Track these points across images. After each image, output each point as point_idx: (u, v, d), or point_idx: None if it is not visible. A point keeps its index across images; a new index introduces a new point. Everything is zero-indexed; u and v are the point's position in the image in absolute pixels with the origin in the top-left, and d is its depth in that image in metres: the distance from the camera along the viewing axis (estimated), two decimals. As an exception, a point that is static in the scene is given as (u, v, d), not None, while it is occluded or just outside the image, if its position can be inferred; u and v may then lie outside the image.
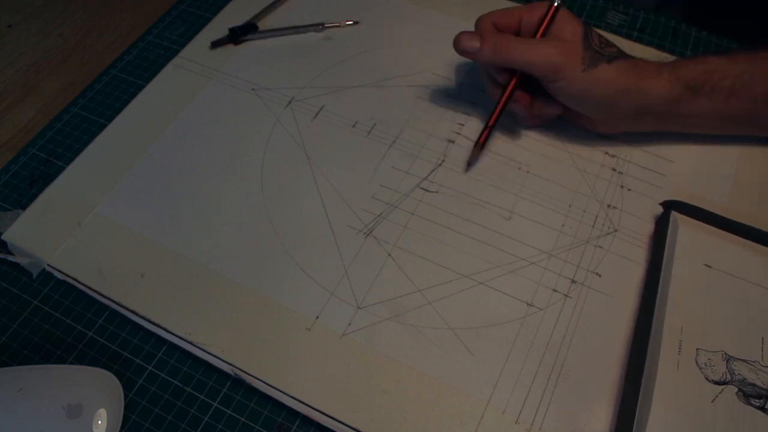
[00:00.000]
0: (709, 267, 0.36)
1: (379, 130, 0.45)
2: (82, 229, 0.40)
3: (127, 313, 0.37)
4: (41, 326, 0.37)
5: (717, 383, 0.32)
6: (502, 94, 0.41)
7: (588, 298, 0.37)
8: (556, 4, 0.39)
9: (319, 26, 0.51)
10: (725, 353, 0.33)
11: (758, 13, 0.58)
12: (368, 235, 0.40)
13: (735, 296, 0.35)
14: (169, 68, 0.49)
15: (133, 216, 0.40)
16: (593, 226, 0.40)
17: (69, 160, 0.44)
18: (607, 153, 0.44)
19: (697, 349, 0.33)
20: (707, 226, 0.38)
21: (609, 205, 0.41)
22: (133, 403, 0.34)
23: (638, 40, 0.52)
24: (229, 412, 0.34)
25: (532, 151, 0.44)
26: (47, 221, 0.40)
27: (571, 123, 0.44)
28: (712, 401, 0.32)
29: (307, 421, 0.34)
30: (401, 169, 0.43)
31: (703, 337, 0.34)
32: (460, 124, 0.45)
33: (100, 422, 0.31)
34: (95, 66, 0.51)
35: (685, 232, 0.38)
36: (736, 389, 0.32)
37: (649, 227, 0.40)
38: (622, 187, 0.42)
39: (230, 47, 0.50)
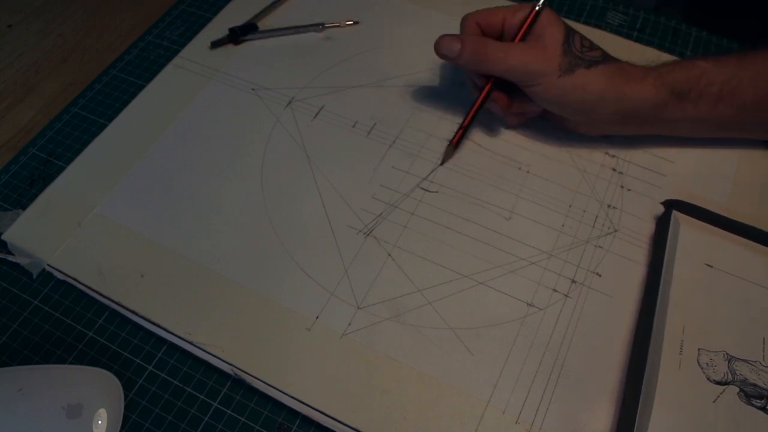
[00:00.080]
0: (711, 267, 0.36)
1: (379, 130, 0.45)
2: (82, 229, 0.40)
3: (127, 313, 0.37)
4: (41, 326, 0.37)
5: (718, 383, 0.32)
6: (479, 96, 0.42)
7: (588, 298, 0.37)
8: (537, 7, 0.39)
9: (319, 26, 0.51)
10: (726, 353, 0.33)
11: (758, 13, 0.58)
12: (368, 235, 0.40)
13: (736, 296, 0.35)
14: (169, 68, 0.49)
15: (133, 216, 0.40)
16: (593, 226, 0.40)
17: (69, 160, 0.44)
18: (607, 153, 0.44)
19: (698, 349, 0.33)
20: (709, 225, 0.38)
21: (609, 205, 0.41)
22: (133, 403, 0.34)
23: (638, 40, 0.52)
24: (229, 412, 0.34)
25: (532, 151, 0.44)
26: (47, 221, 0.40)
27: (553, 124, 0.44)
28: (714, 401, 0.32)
29: (307, 421, 0.34)
30: (401, 169, 0.43)
31: (704, 337, 0.34)
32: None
33: (100, 422, 0.31)
34: (95, 66, 0.51)
35: (686, 231, 0.37)
36: (737, 389, 0.32)
37: (649, 227, 0.40)
38: (622, 187, 0.42)
39: (230, 47, 0.50)
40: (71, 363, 0.36)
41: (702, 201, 0.39)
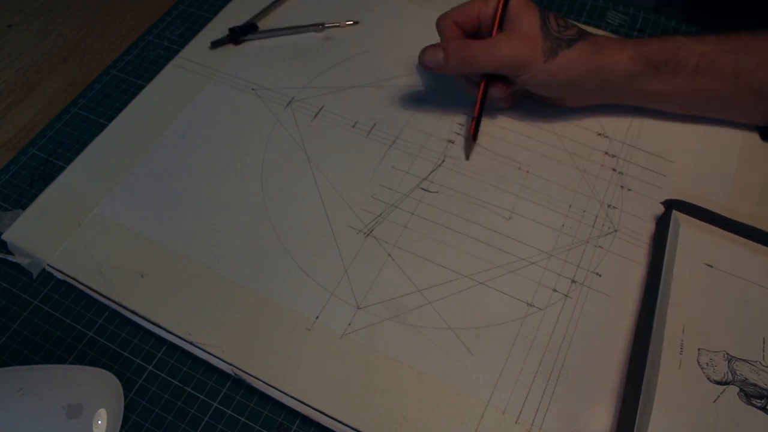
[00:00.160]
0: (711, 267, 0.36)
1: (379, 130, 0.45)
2: (82, 229, 0.40)
3: (127, 313, 0.37)
4: (41, 326, 0.37)
5: (718, 383, 0.32)
6: (477, 89, 0.42)
7: (588, 298, 0.37)
8: None
9: (319, 26, 0.51)
10: (727, 353, 0.33)
11: (758, 13, 0.58)
12: (368, 235, 0.40)
13: (736, 296, 0.35)
14: (169, 68, 0.49)
15: (133, 216, 0.40)
16: (593, 226, 0.40)
17: (69, 160, 0.44)
18: (607, 153, 0.44)
19: (698, 349, 0.33)
20: (709, 225, 0.38)
21: (609, 205, 0.41)
22: (133, 403, 0.34)
23: (638, 40, 0.52)
24: (229, 412, 0.34)
25: (532, 151, 0.44)
26: (47, 221, 0.40)
27: (538, 101, 0.45)
28: (714, 401, 0.32)
29: (307, 421, 0.34)
30: (401, 169, 0.43)
31: (704, 337, 0.34)
32: (460, 124, 0.45)
33: (100, 422, 0.31)
34: (95, 66, 0.51)
35: (686, 231, 0.37)
36: (737, 389, 0.32)
37: (649, 227, 0.40)
38: (622, 187, 0.42)
39: (230, 47, 0.50)
40: (71, 363, 0.36)
41: (702, 201, 0.39)
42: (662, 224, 0.39)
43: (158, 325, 0.36)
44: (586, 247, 0.39)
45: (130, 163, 0.43)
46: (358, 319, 0.36)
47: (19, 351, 0.36)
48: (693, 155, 0.44)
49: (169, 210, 0.41)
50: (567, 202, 0.41)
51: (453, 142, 0.44)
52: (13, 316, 0.37)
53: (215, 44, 0.50)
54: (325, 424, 0.33)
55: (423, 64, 0.40)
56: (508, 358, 0.35)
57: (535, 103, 0.45)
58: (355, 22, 0.52)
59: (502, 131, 0.45)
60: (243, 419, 0.34)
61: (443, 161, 0.43)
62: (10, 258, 0.39)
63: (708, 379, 0.32)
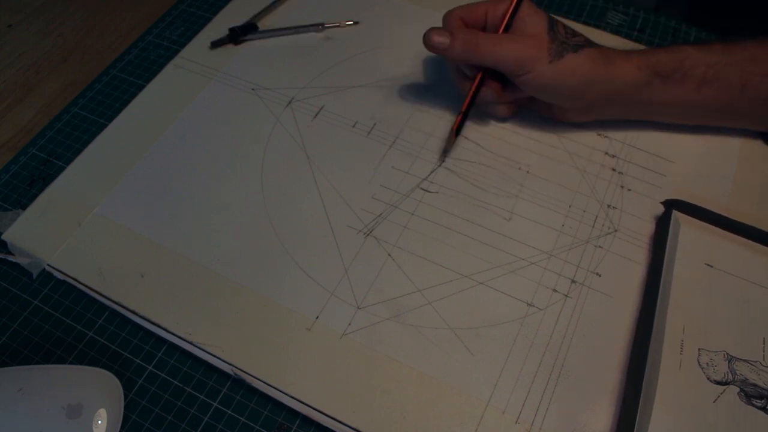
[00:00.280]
0: (711, 267, 0.36)
1: (379, 130, 0.45)
2: (82, 229, 0.40)
3: (127, 313, 0.37)
4: (41, 326, 0.37)
5: (719, 383, 0.32)
6: (471, 85, 0.42)
7: (588, 298, 0.37)
8: None
9: (319, 26, 0.51)
10: (727, 353, 0.33)
11: (758, 13, 0.58)
12: (368, 235, 0.40)
13: (736, 296, 0.35)
14: (169, 68, 0.49)
15: (133, 216, 0.40)
16: (593, 226, 0.40)
17: (69, 160, 0.44)
18: (607, 153, 0.44)
19: (699, 349, 0.33)
20: (709, 225, 0.38)
21: (609, 205, 0.41)
22: (133, 403, 0.34)
23: (638, 40, 0.52)
24: (229, 412, 0.34)
25: (532, 151, 0.44)
26: (47, 221, 0.40)
27: (541, 115, 0.44)
28: (714, 401, 0.32)
29: (307, 421, 0.34)
30: (401, 170, 0.43)
31: (704, 337, 0.34)
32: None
33: (100, 422, 0.31)
34: (95, 66, 0.51)
35: (686, 231, 0.37)
36: (737, 389, 0.32)
37: (649, 227, 0.40)
38: (622, 187, 0.42)
39: (230, 47, 0.50)
40: (71, 363, 0.36)
41: (702, 201, 0.39)
42: (662, 224, 0.39)
43: (158, 325, 0.36)
44: (586, 247, 0.39)
45: (130, 163, 0.43)
46: (358, 319, 0.36)
47: (19, 351, 0.36)
48: (693, 155, 0.44)
49: (169, 210, 0.41)
50: (567, 202, 0.41)
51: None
52: (13, 316, 0.37)
53: (215, 44, 0.50)
54: (325, 424, 0.33)
55: (428, 44, 0.40)
56: (508, 358, 0.35)
57: (533, 111, 0.45)
58: (355, 22, 0.52)
59: (503, 131, 0.45)
60: (243, 419, 0.34)
61: (443, 161, 0.43)
62: (10, 258, 0.39)
63: (708, 379, 0.32)
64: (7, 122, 0.48)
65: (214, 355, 0.35)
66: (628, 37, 0.52)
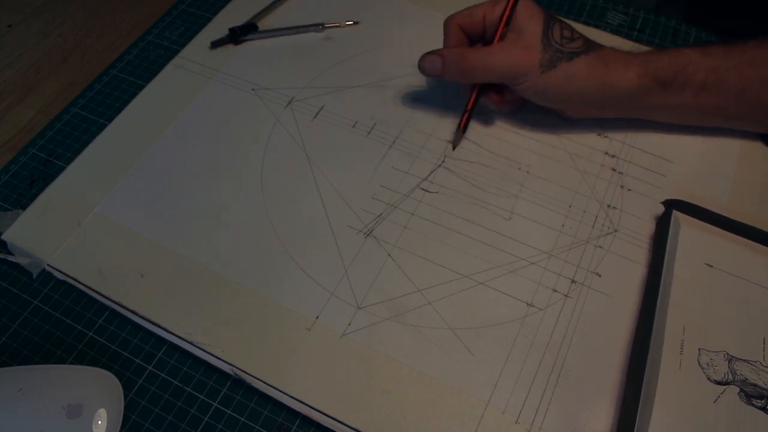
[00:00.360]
0: (711, 267, 0.36)
1: (379, 130, 0.45)
2: (82, 229, 0.40)
3: (127, 313, 0.37)
4: (41, 326, 0.37)
5: (719, 383, 0.32)
6: (470, 94, 0.43)
7: (588, 298, 0.37)
8: None
9: (319, 26, 0.51)
10: (727, 353, 0.33)
11: (758, 13, 0.58)
12: (368, 235, 0.40)
13: (736, 296, 0.35)
14: (169, 68, 0.49)
15: (133, 216, 0.40)
16: (593, 227, 0.40)
17: (69, 160, 0.44)
18: (607, 153, 0.44)
19: (699, 349, 0.33)
20: (709, 225, 0.38)
21: (609, 206, 0.41)
22: (133, 403, 0.34)
23: (638, 40, 0.52)
24: (229, 412, 0.34)
25: (532, 151, 0.44)
26: (47, 221, 0.40)
27: (544, 110, 0.44)
28: (714, 401, 0.32)
29: (307, 421, 0.34)
30: (401, 170, 0.43)
31: (704, 337, 0.34)
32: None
33: (100, 422, 0.31)
34: (95, 66, 0.51)
35: (686, 231, 0.37)
36: (737, 389, 0.32)
37: (649, 227, 0.40)
38: (622, 187, 0.42)
39: (230, 47, 0.50)
40: (71, 363, 0.36)
41: (702, 201, 0.39)
42: (662, 224, 0.39)
43: (158, 325, 0.36)
44: (586, 247, 0.39)
45: (130, 163, 0.43)
46: (358, 319, 0.36)
47: (19, 351, 0.36)
48: (693, 155, 0.44)
49: (169, 210, 0.41)
50: (567, 203, 0.41)
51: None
52: (13, 316, 0.37)
53: (215, 44, 0.50)
54: (325, 424, 0.33)
55: (422, 70, 0.41)
56: (508, 358, 0.35)
57: (536, 105, 0.45)
58: (355, 22, 0.52)
59: (503, 131, 0.45)
60: (243, 419, 0.34)
61: (443, 161, 0.43)
62: (10, 258, 0.39)
63: (708, 379, 0.32)
64: (7, 122, 0.48)
65: (214, 355, 0.35)
66: (628, 37, 0.52)
